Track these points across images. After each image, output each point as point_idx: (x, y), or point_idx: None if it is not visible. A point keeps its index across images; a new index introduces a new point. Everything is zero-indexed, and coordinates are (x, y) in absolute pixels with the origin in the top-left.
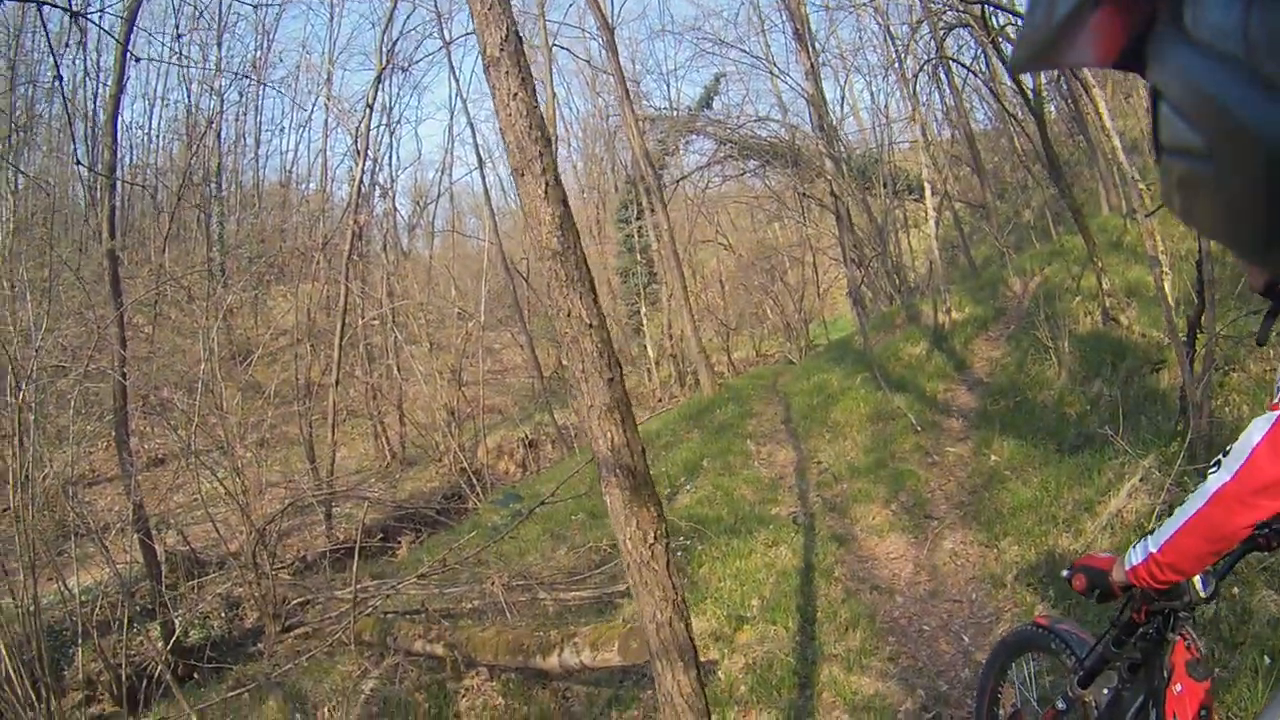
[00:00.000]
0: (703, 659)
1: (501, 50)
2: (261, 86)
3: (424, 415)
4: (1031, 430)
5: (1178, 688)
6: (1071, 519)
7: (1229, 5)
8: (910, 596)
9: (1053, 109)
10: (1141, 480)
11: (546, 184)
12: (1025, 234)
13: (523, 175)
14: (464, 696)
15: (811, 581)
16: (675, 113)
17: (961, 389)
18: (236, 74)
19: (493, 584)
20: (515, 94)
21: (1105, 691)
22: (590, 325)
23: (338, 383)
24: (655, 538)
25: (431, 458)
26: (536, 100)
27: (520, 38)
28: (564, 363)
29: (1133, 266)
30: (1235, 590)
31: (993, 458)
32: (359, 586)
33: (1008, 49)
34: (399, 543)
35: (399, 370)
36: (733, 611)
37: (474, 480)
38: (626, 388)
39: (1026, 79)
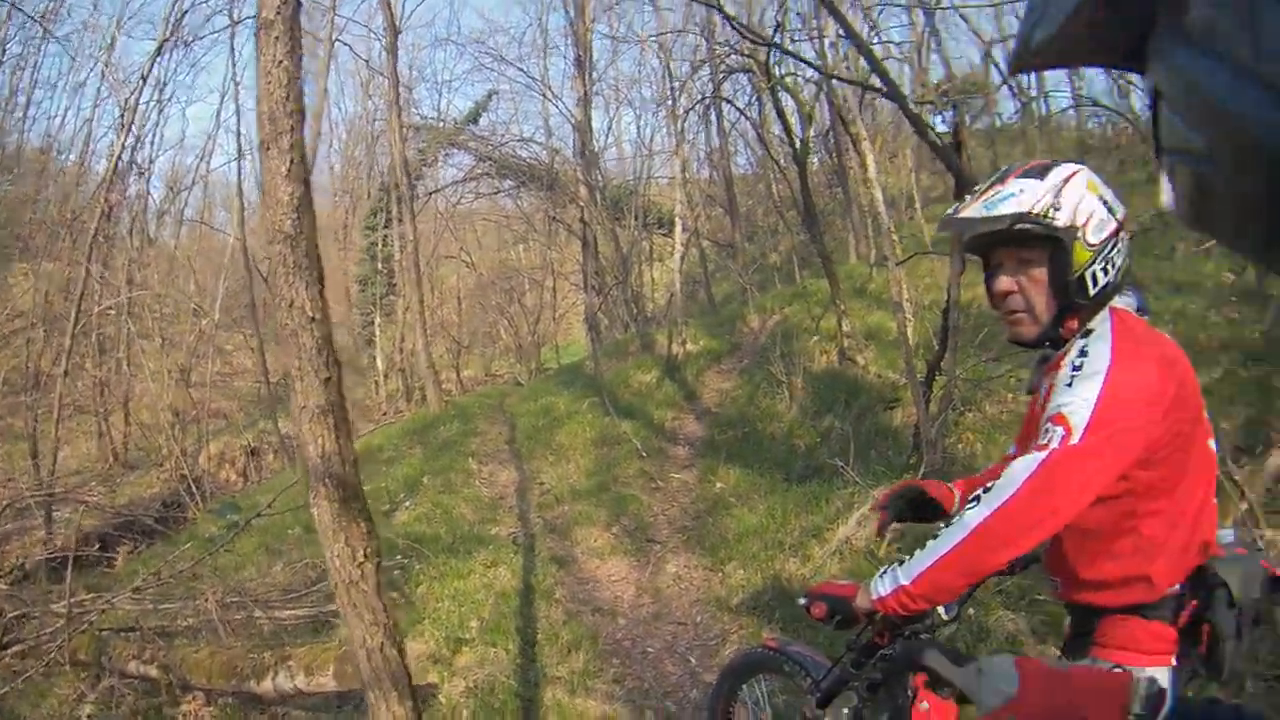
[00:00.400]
0: (423, 682)
1: (278, 13)
2: (45, 41)
3: (150, 416)
4: (759, 460)
5: (924, 705)
6: (799, 545)
7: (1229, 5)
8: (633, 619)
9: (815, 161)
10: (871, 509)
11: (291, 161)
12: (770, 275)
13: (269, 149)
14: None
15: (532, 603)
16: (442, 123)
17: (690, 418)
18: (25, 16)
19: (207, 601)
20: (280, 61)
21: (845, 711)
22: (313, 319)
23: (66, 374)
24: (365, 556)
25: (154, 462)
26: (300, 73)
27: (301, 5)
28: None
29: (874, 312)
30: (971, 611)
31: (718, 485)
32: (73, 600)
33: (784, 97)
34: (117, 553)
35: (129, 365)
36: (451, 633)
37: (194, 488)
38: (354, 398)
39: (796, 128)
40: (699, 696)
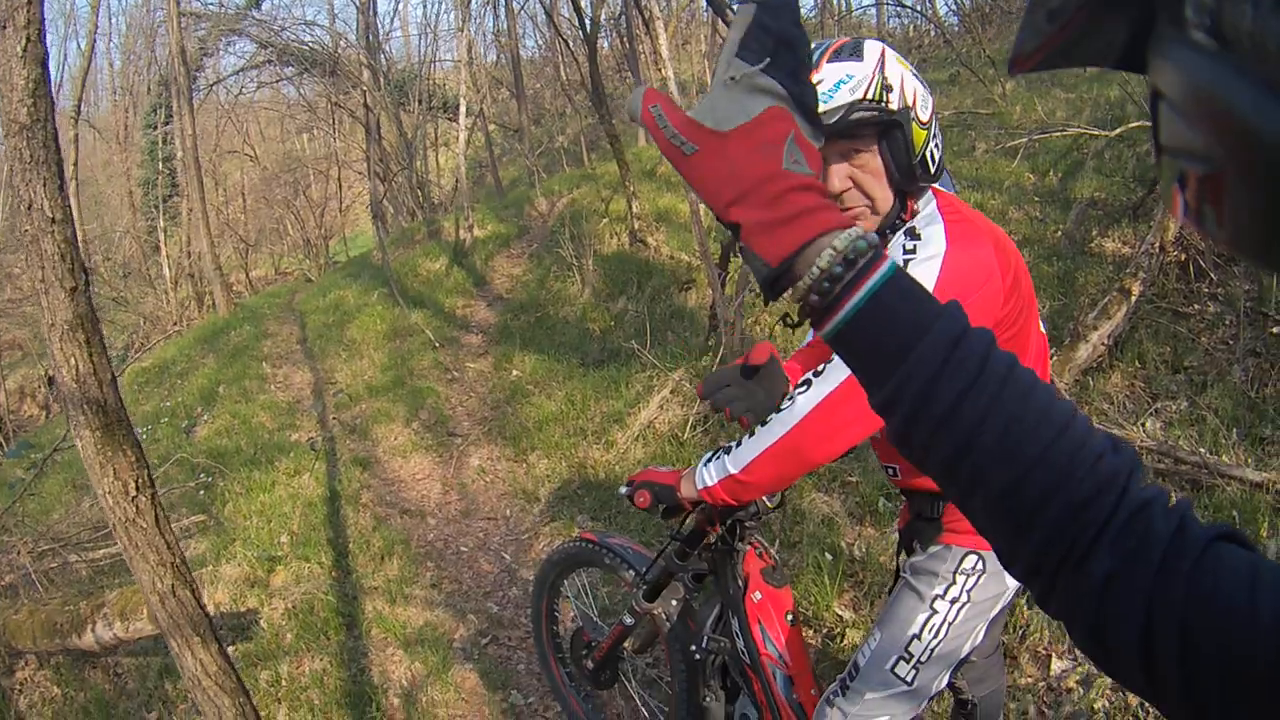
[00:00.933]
0: (242, 609)
1: None
2: None
3: None
4: (554, 345)
5: (756, 595)
6: (601, 431)
7: (1230, 5)
8: (443, 518)
9: (605, 44)
10: (672, 393)
11: (28, 39)
12: (557, 158)
13: (4, 28)
14: (21, 692)
15: (339, 510)
16: (222, 10)
17: (481, 305)
18: None
19: (19, 554)
20: None
21: (674, 603)
22: (54, 220)
23: None
24: (138, 488)
25: None
26: None
27: None
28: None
29: (664, 195)
30: (784, 493)
31: (514, 372)
32: None
33: None
34: None
35: None
36: (264, 551)
37: None
38: (143, 310)
39: (586, 9)
40: (519, 594)
